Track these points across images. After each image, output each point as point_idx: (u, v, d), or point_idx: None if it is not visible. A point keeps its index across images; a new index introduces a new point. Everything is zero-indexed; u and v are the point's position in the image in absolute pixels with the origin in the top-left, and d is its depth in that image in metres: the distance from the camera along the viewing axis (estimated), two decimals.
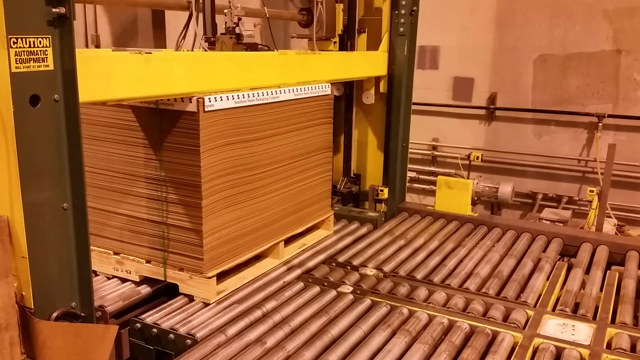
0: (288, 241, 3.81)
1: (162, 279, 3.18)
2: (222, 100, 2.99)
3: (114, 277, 3.30)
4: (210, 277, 3.07)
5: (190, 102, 2.86)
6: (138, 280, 3.23)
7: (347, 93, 4.90)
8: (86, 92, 2.15)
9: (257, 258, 3.59)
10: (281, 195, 3.64)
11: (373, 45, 4.72)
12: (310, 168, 3.92)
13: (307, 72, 3.76)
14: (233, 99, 3.08)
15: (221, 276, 3.23)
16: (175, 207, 3.06)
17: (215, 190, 3.07)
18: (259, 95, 3.27)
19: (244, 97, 3.16)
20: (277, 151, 3.55)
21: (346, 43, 4.63)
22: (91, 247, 2.27)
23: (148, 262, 3.20)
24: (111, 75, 2.36)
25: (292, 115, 3.64)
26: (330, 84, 3.99)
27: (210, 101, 2.91)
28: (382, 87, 4.71)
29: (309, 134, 3.85)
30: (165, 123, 2.97)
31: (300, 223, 3.90)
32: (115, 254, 3.28)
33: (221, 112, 3.02)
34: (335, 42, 4.58)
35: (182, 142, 2.95)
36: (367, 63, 4.55)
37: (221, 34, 3.33)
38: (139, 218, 3.17)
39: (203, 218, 3.00)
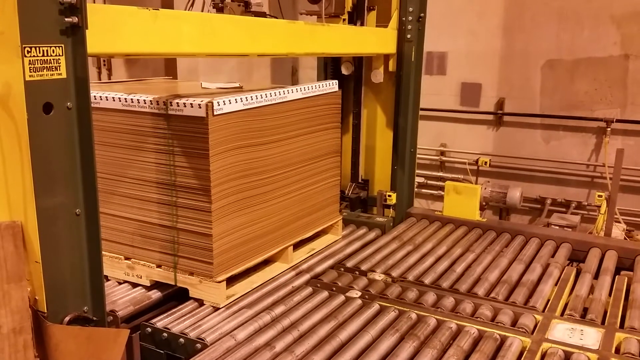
0: (297, 246, 3.83)
1: (173, 283, 3.21)
2: (230, 103, 3.02)
3: (125, 282, 3.33)
4: (219, 282, 3.10)
5: (200, 107, 2.90)
6: (149, 284, 3.26)
7: (356, 67, 4.79)
8: (94, 44, 2.14)
9: (266, 262, 3.61)
10: (290, 200, 3.66)
11: (383, 23, 4.61)
12: (318, 172, 3.94)
13: (316, 43, 3.67)
14: (242, 101, 3.11)
15: (231, 280, 3.25)
16: (185, 212, 3.09)
17: (224, 194, 3.09)
18: (266, 96, 3.30)
19: (252, 99, 3.19)
20: (286, 155, 3.57)
21: (355, 20, 4.54)
22: (103, 252, 2.30)
23: (159, 266, 3.23)
24: (119, 28, 2.32)
25: (301, 119, 3.67)
26: (337, 82, 4.00)
27: (218, 104, 2.93)
28: (392, 65, 4.64)
29: (317, 138, 3.88)
30: (174, 128, 3.00)
31: (308, 228, 3.92)
32: (127, 258, 3.32)
33: (230, 116, 3.04)
34: (344, 20, 4.50)
35: (191, 146, 2.98)
36: (376, 39, 4.44)
37: (230, 0, 3.29)
38: (150, 223, 3.21)
39: (213, 222, 3.02)
